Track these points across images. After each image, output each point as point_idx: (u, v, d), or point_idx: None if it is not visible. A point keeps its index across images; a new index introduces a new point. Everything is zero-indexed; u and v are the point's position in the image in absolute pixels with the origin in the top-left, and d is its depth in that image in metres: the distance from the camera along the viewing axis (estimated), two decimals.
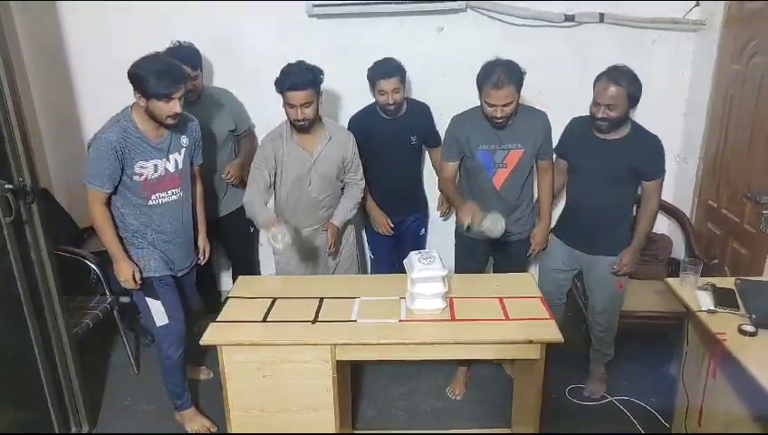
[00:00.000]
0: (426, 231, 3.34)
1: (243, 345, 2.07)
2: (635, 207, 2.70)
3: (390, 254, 3.18)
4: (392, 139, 2.91)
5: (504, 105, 2.44)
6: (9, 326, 2.28)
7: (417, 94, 3.22)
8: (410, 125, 2.95)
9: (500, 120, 2.48)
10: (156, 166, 2.35)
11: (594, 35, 3.17)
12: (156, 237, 2.45)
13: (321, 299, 2.30)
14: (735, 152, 2.87)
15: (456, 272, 2.78)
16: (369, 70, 2.78)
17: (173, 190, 2.44)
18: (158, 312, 2.49)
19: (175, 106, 2.22)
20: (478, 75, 2.50)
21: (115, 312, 3.07)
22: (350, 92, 3.23)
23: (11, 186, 2.20)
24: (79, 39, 3.26)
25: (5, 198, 2.17)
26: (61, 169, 3.52)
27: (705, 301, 2.10)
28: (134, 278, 2.38)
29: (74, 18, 3.22)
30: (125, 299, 3.04)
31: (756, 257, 2.64)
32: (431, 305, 2.19)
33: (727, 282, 2.24)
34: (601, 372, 2.91)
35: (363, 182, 2.84)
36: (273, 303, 2.28)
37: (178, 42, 2.80)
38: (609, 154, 2.52)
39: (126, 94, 2.78)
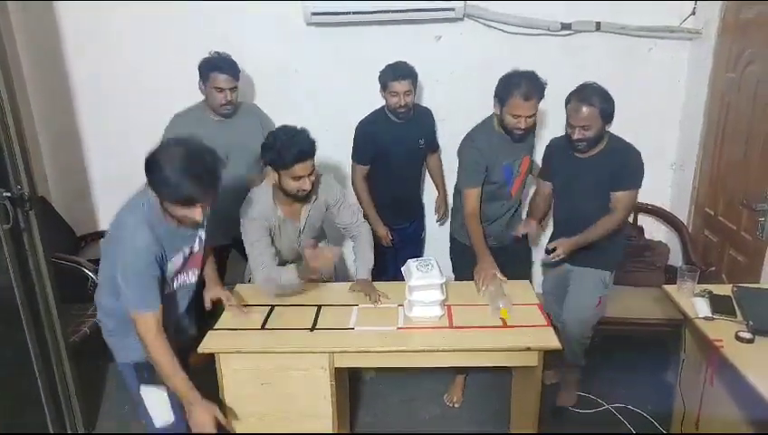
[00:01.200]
0: (425, 234, 3.42)
1: (241, 353, 2.07)
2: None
3: (387, 265, 3.16)
4: (402, 142, 2.94)
5: (529, 116, 2.44)
6: (6, 334, 2.27)
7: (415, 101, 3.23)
8: (419, 128, 3.01)
9: (522, 132, 2.47)
10: (183, 253, 2.01)
11: (590, 44, 3.19)
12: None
13: (320, 307, 2.30)
14: (732, 160, 2.88)
15: (455, 277, 2.79)
16: (381, 72, 2.82)
17: (192, 270, 2.11)
18: (160, 405, 2.03)
19: (196, 214, 1.81)
20: (499, 87, 2.48)
21: None
22: (348, 100, 3.24)
23: (9, 193, 2.20)
24: (77, 45, 3.27)
25: (3, 205, 2.17)
26: (59, 177, 3.52)
27: (702, 308, 2.11)
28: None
29: (72, 23, 3.23)
30: None
31: (753, 264, 2.65)
32: (429, 313, 2.19)
33: (724, 289, 2.24)
34: (575, 380, 2.89)
35: (366, 224, 2.63)
36: (271, 310, 2.28)
37: (216, 52, 2.74)
38: (589, 170, 2.51)
39: (124, 101, 2.80)
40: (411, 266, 2.21)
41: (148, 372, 1.98)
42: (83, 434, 2.67)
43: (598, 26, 3.15)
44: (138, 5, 3.12)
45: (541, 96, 2.45)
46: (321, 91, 3.29)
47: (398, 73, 2.77)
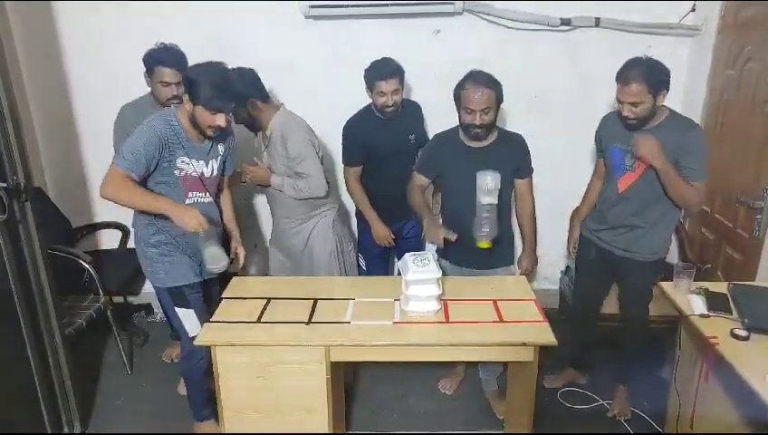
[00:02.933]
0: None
1: (236, 346, 2.06)
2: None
3: (387, 267, 3.15)
4: (392, 140, 2.86)
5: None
6: (1, 325, 2.27)
7: (413, 97, 3.22)
8: (408, 124, 2.91)
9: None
10: (195, 166, 2.32)
11: (590, 40, 3.19)
12: (187, 241, 2.35)
13: (316, 300, 2.30)
14: (729, 157, 2.88)
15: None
16: (366, 71, 2.72)
17: (208, 193, 2.41)
18: (190, 321, 2.40)
19: (220, 120, 2.19)
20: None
21: (108, 312, 3.06)
22: (346, 93, 3.23)
23: (4, 184, 2.19)
24: (74, 38, 3.26)
25: None
26: (54, 168, 3.51)
27: (697, 305, 2.11)
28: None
29: (69, 17, 3.22)
30: (118, 299, 3.03)
31: (749, 262, 2.66)
32: (425, 307, 2.19)
33: (720, 286, 2.24)
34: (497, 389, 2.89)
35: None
36: (267, 303, 2.28)
37: (162, 44, 2.64)
38: (485, 162, 2.40)
39: (120, 93, 2.79)
40: (408, 261, 2.20)
41: (180, 296, 2.38)
42: (79, 434, 2.67)
43: (597, 22, 3.14)
44: (135, 3, 3.12)
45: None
46: (318, 85, 3.28)
47: (384, 72, 2.67)
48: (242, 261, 2.60)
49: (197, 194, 2.37)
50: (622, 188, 2.47)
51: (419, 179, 2.66)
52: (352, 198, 3.00)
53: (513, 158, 2.52)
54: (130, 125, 2.33)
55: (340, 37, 3.22)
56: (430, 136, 3.21)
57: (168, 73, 2.59)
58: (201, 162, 2.34)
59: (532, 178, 2.62)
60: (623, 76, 2.29)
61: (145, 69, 2.64)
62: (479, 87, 2.35)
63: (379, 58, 2.73)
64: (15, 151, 2.25)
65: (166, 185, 2.27)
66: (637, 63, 2.29)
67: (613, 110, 2.48)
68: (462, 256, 2.60)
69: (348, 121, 2.89)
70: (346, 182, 2.98)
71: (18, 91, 3.17)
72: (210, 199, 2.44)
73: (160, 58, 2.58)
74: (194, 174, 2.32)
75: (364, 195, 2.95)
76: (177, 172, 2.27)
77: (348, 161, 2.92)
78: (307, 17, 3.14)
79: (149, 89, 2.71)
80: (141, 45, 2.82)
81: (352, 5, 3.06)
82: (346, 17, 3.13)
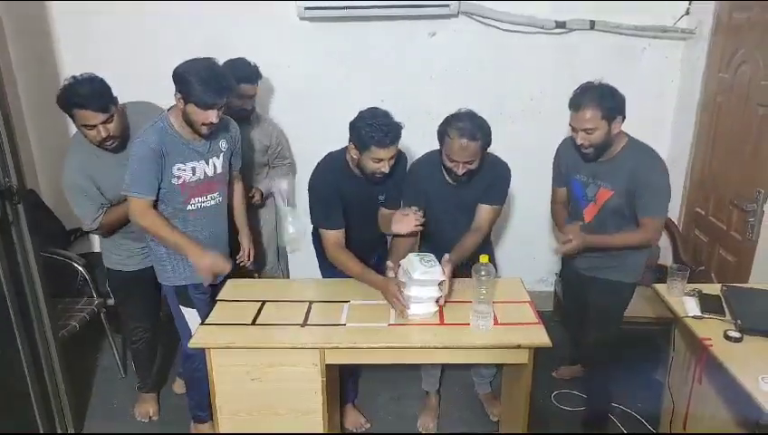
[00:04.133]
0: None
1: (231, 348, 2.06)
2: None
3: None
4: (360, 198, 2.42)
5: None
6: None
7: (407, 99, 3.22)
8: (384, 184, 2.41)
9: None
10: (194, 169, 2.26)
11: (585, 42, 3.20)
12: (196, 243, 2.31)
13: (311, 303, 2.29)
14: (723, 160, 2.90)
15: None
16: (360, 129, 2.22)
17: (212, 195, 2.36)
18: (193, 321, 2.36)
19: (212, 116, 2.12)
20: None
21: (102, 314, 3.05)
22: (341, 95, 3.24)
23: None
24: (67, 40, 3.24)
25: None
26: (48, 170, 3.49)
27: (691, 307, 2.12)
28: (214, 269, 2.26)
29: (63, 18, 3.20)
30: (111, 302, 3.01)
31: (742, 264, 2.67)
32: (425, 309, 2.18)
33: (714, 288, 2.26)
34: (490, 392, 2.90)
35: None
36: (262, 306, 2.27)
37: (74, 77, 2.37)
38: (461, 192, 2.39)
39: (117, 96, 2.76)
40: (414, 260, 2.15)
41: (185, 296, 2.39)
42: (74, 434, 2.65)
43: (592, 25, 3.15)
44: (129, 3, 3.10)
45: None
46: (313, 87, 3.28)
47: (385, 140, 2.19)
48: (246, 256, 2.61)
49: (199, 200, 2.31)
50: (588, 219, 2.42)
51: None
52: (340, 265, 2.41)
53: (484, 185, 2.40)
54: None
55: (334, 39, 3.22)
56: (431, 140, 3.20)
57: (92, 115, 2.24)
58: (201, 162, 2.28)
59: (499, 209, 2.46)
60: (575, 102, 2.22)
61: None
62: (464, 139, 2.20)
63: (370, 113, 2.25)
64: (8, 153, 2.24)
65: (166, 194, 2.24)
66: (590, 89, 2.21)
67: (569, 135, 2.39)
68: None
69: (315, 173, 2.43)
70: (327, 249, 2.42)
71: (11, 92, 3.16)
72: (216, 201, 2.38)
73: (79, 102, 2.21)
74: (192, 179, 2.26)
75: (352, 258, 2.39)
76: (174, 181, 2.22)
77: (325, 224, 2.40)
78: (302, 19, 3.14)
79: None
80: (136, 47, 2.83)
81: (347, 7, 3.05)
82: (341, 19, 3.13)
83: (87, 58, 3.23)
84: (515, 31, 3.19)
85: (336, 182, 2.36)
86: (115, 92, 2.30)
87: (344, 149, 2.36)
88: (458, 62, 3.27)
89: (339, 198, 2.35)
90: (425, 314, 2.18)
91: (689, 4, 3.12)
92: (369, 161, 2.25)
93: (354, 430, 2.77)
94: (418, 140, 2.93)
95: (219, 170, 2.36)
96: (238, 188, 2.59)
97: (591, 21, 3.15)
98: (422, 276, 2.10)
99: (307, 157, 2.83)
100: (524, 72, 3.26)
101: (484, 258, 2.09)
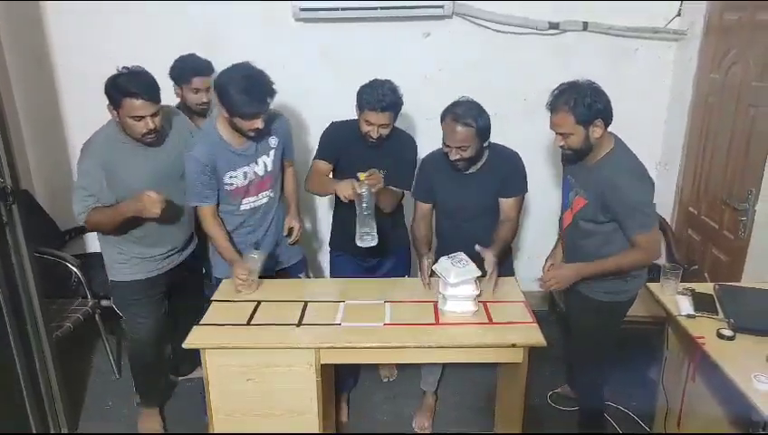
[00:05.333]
0: (408, 276, 2.86)
1: (226, 348, 2.06)
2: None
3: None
4: (363, 166, 2.48)
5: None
6: None
7: (402, 99, 3.22)
8: (386, 158, 2.52)
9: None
10: (245, 173, 2.40)
11: (578, 43, 3.21)
12: (245, 238, 2.50)
13: (306, 303, 2.29)
14: (715, 160, 2.91)
15: None
16: (360, 89, 2.41)
17: (263, 193, 2.50)
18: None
19: (257, 123, 2.23)
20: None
21: (96, 315, 3.04)
22: (336, 96, 3.23)
23: None
24: (63, 40, 3.24)
25: None
26: (42, 170, 3.48)
27: (684, 306, 2.13)
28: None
29: (58, 19, 3.19)
30: (106, 302, 3.00)
31: (735, 263, 2.69)
32: (463, 308, 2.18)
33: (707, 287, 2.28)
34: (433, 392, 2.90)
35: None
36: (257, 306, 2.27)
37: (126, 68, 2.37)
38: (471, 187, 2.41)
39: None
40: (446, 263, 2.17)
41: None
42: (68, 434, 2.64)
43: (585, 26, 3.17)
44: (124, 3, 3.10)
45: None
46: (308, 88, 3.28)
47: (378, 104, 2.33)
48: (295, 235, 2.63)
49: (251, 199, 2.47)
50: (564, 224, 2.34)
51: (422, 208, 2.57)
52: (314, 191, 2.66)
53: (497, 180, 2.42)
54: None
55: (330, 40, 3.22)
56: (427, 140, 3.21)
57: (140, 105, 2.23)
58: (251, 166, 2.41)
59: (522, 197, 2.48)
60: (551, 103, 2.11)
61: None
62: (456, 124, 2.25)
63: (375, 81, 2.41)
64: (2, 154, 2.23)
65: (221, 198, 2.42)
66: (566, 91, 2.06)
67: None
68: None
69: (332, 123, 2.65)
70: (307, 177, 2.64)
71: (5, 92, 3.15)
72: (268, 198, 2.52)
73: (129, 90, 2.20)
74: (244, 183, 2.41)
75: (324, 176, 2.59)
76: (227, 188, 2.39)
77: (318, 155, 2.62)
78: (297, 20, 3.14)
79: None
80: (131, 47, 2.82)
81: (342, 8, 3.06)
82: (336, 20, 3.14)
83: (82, 58, 3.24)
84: (509, 32, 3.20)
85: (345, 137, 2.53)
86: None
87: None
88: (452, 63, 3.27)
89: (338, 145, 2.57)
90: (464, 313, 2.19)
91: (681, 6, 3.14)
92: (362, 123, 2.41)
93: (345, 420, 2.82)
94: None
95: (270, 168, 2.47)
96: (290, 172, 2.67)
97: (584, 22, 3.16)
98: (457, 279, 2.12)
99: (300, 157, 2.83)
100: (518, 72, 3.28)
101: (361, 175, 2.31)
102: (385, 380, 3.08)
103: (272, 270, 2.57)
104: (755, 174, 2.54)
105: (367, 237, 2.33)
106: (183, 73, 2.73)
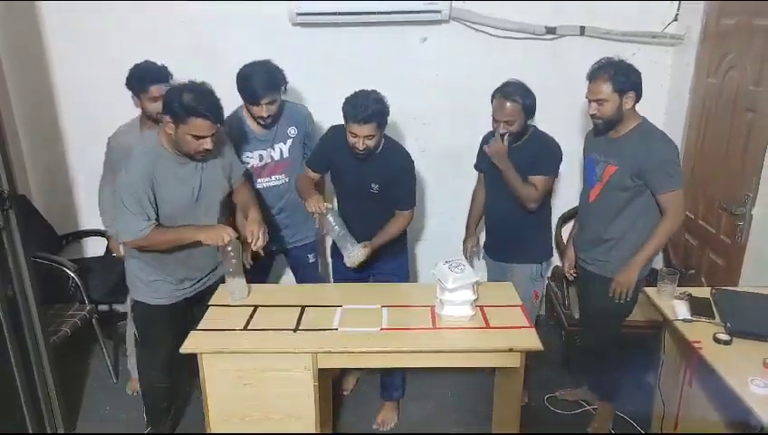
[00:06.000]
0: (407, 280, 2.86)
1: (223, 353, 2.06)
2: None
3: None
4: (353, 179, 2.54)
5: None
6: None
7: (400, 104, 3.21)
8: (376, 171, 2.50)
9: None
10: (261, 156, 2.70)
11: (575, 48, 3.21)
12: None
13: (303, 307, 2.29)
14: (712, 164, 2.92)
15: None
16: (344, 102, 2.40)
17: (276, 176, 2.76)
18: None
19: (262, 111, 2.54)
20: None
21: (94, 320, 3.04)
22: (333, 101, 3.23)
23: None
24: (61, 44, 3.23)
25: None
26: (39, 175, 3.48)
27: (681, 310, 2.14)
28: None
29: (56, 22, 3.19)
30: (104, 307, 3.00)
31: (732, 268, 2.69)
32: (460, 312, 2.19)
33: (703, 292, 2.28)
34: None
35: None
36: (254, 311, 2.27)
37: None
38: (510, 160, 2.54)
39: (106, 100, 2.77)
40: (444, 269, 2.19)
41: None
42: (64, 434, 2.64)
43: (582, 31, 3.17)
44: (121, 6, 3.10)
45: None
46: (305, 92, 3.28)
47: (359, 115, 2.32)
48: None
49: (264, 180, 2.74)
50: (592, 199, 2.50)
51: (480, 177, 2.86)
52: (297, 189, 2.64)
53: (530, 158, 2.57)
54: None
55: (327, 44, 3.22)
56: (424, 144, 3.24)
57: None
58: (267, 150, 2.70)
59: (546, 179, 2.58)
60: (591, 74, 2.35)
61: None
62: (506, 101, 2.47)
63: (359, 92, 2.40)
64: None
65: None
66: (606, 62, 2.33)
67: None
68: (495, 250, 2.83)
69: (331, 127, 2.64)
70: (296, 177, 2.70)
71: (2, 97, 3.15)
72: (281, 182, 2.77)
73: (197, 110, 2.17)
74: (259, 164, 2.69)
75: (309, 182, 2.61)
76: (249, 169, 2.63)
77: (309, 162, 2.67)
78: (294, 24, 3.14)
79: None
80: (128, 50, 2.82)
81: (340, 13, 3.06)
82: (333, 25, 3.14)
83: (78, 61, 3.24)
84: (506, 36, 3.21)
85: (339, 144, 2.50)
86: (108, 93, 2.31)
87: None
88: (449, 68, 3.28)
89: (331, 158, 2.60)
90: (461, 317, 2.19)
91: (678, 10, 3.15)
92: (349, 135, 2.41)
93: (378, 429, 2.82)
94: (410, 144, 2.95)
95: (286, 155, 2.74)
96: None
97: (581, 27, 3.17)
98: (455, 284, 2.14)
99: None
100: (515, 77, 3.26)
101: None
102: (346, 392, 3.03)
103: (281, 244, 2.83)
104: (752, 178, 2.55)
105: (352, 255, 2.43)
106: (141, 82, 2.60)
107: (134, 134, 2.63)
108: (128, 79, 2.61)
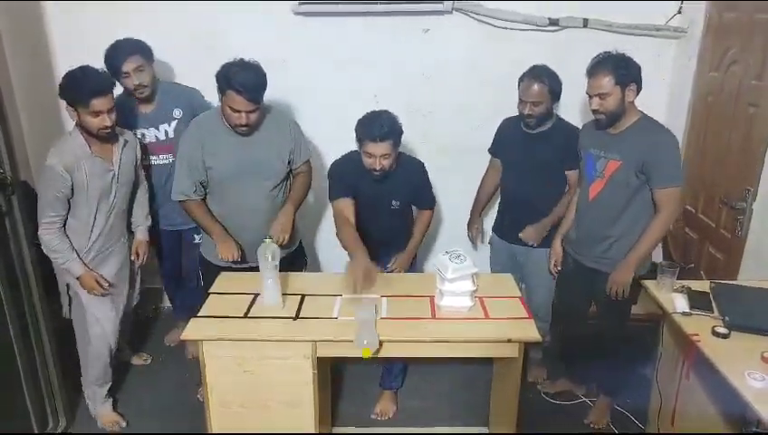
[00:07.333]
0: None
1: (223, 341, 2.07)
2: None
3: None
4: (373, 198, 2.57)
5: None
6: None
7: (401, 96, 3.22)
8: (395, 187, 2.56)
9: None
10: (143, 134, 2.79)
11: (577, 40, 3.21)
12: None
13: (303, 296, 2.30)
14: (713, 158, 2.92)
15: None
16: (357, 123, 2.42)
17: (163, 156, 2.83)
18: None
19: (128, 83, 2.67)
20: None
21: None
22: (335, 91, 3.24)
23: None
24: (62, 33, 3.23)
25: None
26: (41, 160, 3.46)
27: (680, 303, 2.14)
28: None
29: (57, 11, 3.19)
30: None
31: (731, 262, 2.70)
32: (460, 303, 2.20)
33: (703, 285, 2.28)
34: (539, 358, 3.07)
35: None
36: (254, 299, 2.28)
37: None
38: (534, 146, 2.67)
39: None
40: (444, 259, 2.20)
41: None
42: (62, 434, 2.66)
43: (585, 23, 3.17)
44: None
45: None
46: (307, 82, 3.28)
47: (374, 134, 2.34)
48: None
49: (153, 158, 2.83)
50: (592, 195, 2.47)
51: (494, 163, 2.94)
52: (342, 235, 2.54)
53: (559, 149, 2.65)
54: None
55: (328, 35, 3.21)
56: (426, 137, 3.25)
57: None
58: (152, 130, 2.80)
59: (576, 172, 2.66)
60: (591, 69, 2.35)
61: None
62: (533, 82, 2.56)
63: (371, 112, 2.43)
64: (2, 144, 2.24)
65: None
66: (605, 56, 2.34)
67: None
68: (511, 233, 2.86)
69: (334, 163, 2.65)
70: (335, 217, 2.60)
71: (4, 83, 3.14)
72: (168, 161, 2.81)
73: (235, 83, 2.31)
74: (145, 142, 2.77)
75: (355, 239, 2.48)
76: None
77: (333, 196, 2.57)
78: (296, 14, 3.14)
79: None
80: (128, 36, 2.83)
81: (342, 3, 3.06)
82: (335, 14, 3.13)
83: (80, 49, 3.21)
84: (509, 28, 3.20)
85: (353, 172, 2.52)
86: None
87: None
88: (451, 59, 3.27)
89: (350, 182, 2.53)
90: (460, 308, 2.20)
91: (681, 4, 3.14)
92: (364, 156, 2.41)
93: (377, 418, 2.84)
94: (410, 137, 2.94)
95: (171, 135, 2.81)
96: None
97: (584, 19, 3.16)
98: (454, 274, 2.15)
99: None
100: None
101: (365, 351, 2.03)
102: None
103: (171, 223, 2.96)
104: (753, 173, 2.55)
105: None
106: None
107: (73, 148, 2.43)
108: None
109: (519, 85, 2.62)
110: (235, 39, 3.13)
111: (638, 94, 2.31)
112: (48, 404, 2.57)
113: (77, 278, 2.44)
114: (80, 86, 2.27)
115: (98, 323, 2.57)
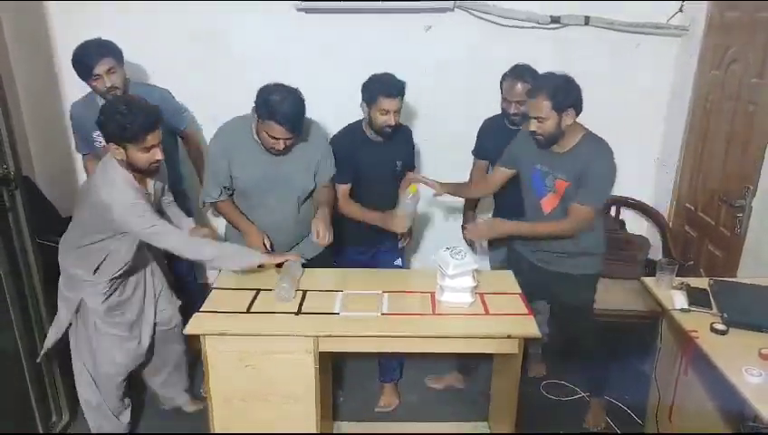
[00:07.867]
0: (402, 262, 2.97)
1: (226, 335, 2.08)
2: None
3: None
4: (378, 164, 2.66)
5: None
6: None
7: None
8: (396, 149, 2.71)
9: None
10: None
11: (579, 37, 3.22)
12: None
13: (305, 291, 2.31)
14: (713, 157, 2.93)
15: None
16: (368, 84, 2.52)
17: None
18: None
19: (103, 82, 2.58)
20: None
21: None
22: (337, 88, 3.24)
23: None
24: (64, 29, 3.23)
25: None
26: (43, 157, 3.49)
27: (679, 300, 2.15)
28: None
29: (60, 9, 3.20)
30: None
31: (730, 259, 2.71)
32: (460, 299, 2.21)
33: (702, 282, 2.29)
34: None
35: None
36: (257, 294, 2.29)
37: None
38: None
39: None
40: (445, 255, 2.21)
41: None
42: (62, 434, 2.67)
43: (587, 20, 3.18)
44: None
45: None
46: (309, 80, 3.26)
47: (392, 90, 2.47)
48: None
49: None
50: (547, 209, 2.45)
51: (480, 165, 2.91)
52: (348, 215, 2.68)
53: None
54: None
55: (331, 32, 3.22)
56: (426, 132, 3.25)
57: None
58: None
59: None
60: (531, 91, 2.33)
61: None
62: (513, 79, 2.61)
63: (381, 73, 2.53)
64: (5, 140, 2.25)
65: None
66: (545, 79, 2.30)
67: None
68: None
69: (334, 136, 2.69)
70: (338, 201, 2.66)
71: (7, 78, 3.15)
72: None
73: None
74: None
75: (358, 207, 2.67)
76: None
77: (336, 179, 2.63)
78: (299, 10, 3.14)
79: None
80: (132, 37, 2.83)
81: (343, 0, 3.06)
82: (337, 11, 3.14)
83: None
84: (511, 25, 3.21)
85: (351, 145, 2.61)
86: None
87: (361, 120, 2.62)
88: (453, 56, 3.28)
89: (349, 159, 2.59)
90: (460, 304, 2.21)
91: (682, 2, 3.15)
92: (377, 114, 2.50)
93: (382, 410, 2.88)
94: (413, 132, 2.95)
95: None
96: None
97: (586, 16, 3.17)
98: (455, 270, 2.16)
99: None
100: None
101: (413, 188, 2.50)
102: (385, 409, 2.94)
103: None
104: (753, 171, 2.56)
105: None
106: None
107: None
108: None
109: (501, 84, 2.68)
110: (235, 39, 3.14)
111: (577, 116, 2.29)
112: (51, 398, 2.59)
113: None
114: (131, 122, 2.04)
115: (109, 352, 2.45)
